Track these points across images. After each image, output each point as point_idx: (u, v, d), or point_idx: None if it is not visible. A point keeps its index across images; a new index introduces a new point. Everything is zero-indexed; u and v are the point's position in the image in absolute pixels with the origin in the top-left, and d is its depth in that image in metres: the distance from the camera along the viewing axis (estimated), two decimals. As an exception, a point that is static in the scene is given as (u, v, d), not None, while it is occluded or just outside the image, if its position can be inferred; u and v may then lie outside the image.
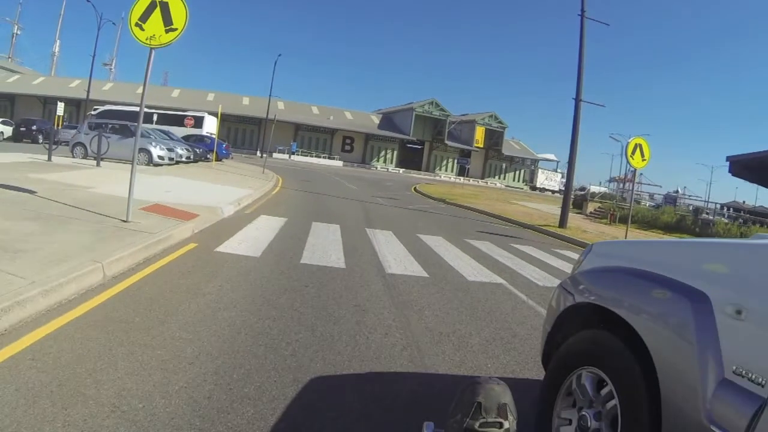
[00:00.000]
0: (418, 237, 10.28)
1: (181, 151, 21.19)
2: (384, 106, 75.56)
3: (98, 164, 14.89)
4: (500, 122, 66.89)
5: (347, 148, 64.28)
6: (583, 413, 2.02)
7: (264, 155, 31.41)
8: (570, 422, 2.14)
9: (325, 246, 7.84)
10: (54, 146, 15.04)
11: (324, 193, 19.28)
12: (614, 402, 1.88)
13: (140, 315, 3.92)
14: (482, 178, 68.33)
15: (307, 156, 59.69)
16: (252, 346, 3.59)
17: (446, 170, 67.29)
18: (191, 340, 3.53)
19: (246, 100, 63.39)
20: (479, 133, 64.85)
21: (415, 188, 30.41)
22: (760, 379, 1.38)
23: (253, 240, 7.55)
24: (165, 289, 4.67)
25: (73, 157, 17.49)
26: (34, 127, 28.15)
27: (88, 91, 33.13)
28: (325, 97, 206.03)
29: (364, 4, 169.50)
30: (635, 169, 15.57)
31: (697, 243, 2.40)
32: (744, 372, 1.44)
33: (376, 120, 68.73)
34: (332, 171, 42.33)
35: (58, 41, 69.64)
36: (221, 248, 6.73)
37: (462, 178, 44.30)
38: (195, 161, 24.45)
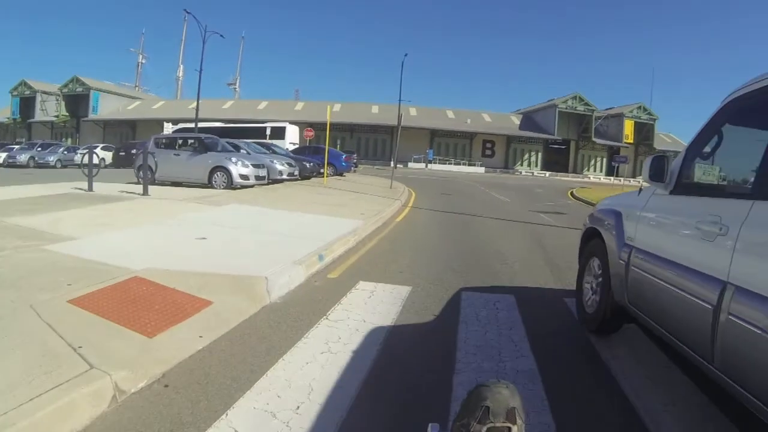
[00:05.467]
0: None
1: (280, 166, 17.50)
2: (523, 106, 73.92)
3: (145, 192, 11.28)
4: (650, 114, 63.37)
5: (488, 152, 63.18)
6: (592, 279, 4.45)
7: (393, 166, 27.19)
8: (589, 282, 4.53)
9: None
10: (96, 170, 11.75)
11: (471, 212, 14.06)
12: (600, 272, 4.27)
13: None
14: (633, 176, 63.45)
15: (445, 163, 58.53)
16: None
17: (595, 170, 65.15)
18: None
19: (375, 108, 63.87)
20: (628, 128, 62.48)
21: (571, 193, 26.69)
22: (632, 238, 3.60)
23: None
24: None
25: (138, 182, 14.41)
26: (134, 151, 26.77)
27: (197, 110, 31.61)
28: (460, 101, 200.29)
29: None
30: None
31: (627, 193, 4.70)
32: (629, 237, 3.67)
33: (517, 120, 67.21)
34: (474, 179, 38.41)
35: (181, 66, 73.83)
36: None
37: (613, 177, 39.76)
38: (306, 177, 20.83)
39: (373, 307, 4.69)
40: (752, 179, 2.62)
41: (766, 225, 2.23)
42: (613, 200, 4.52)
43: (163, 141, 15.17)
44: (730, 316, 2.26)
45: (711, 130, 3.20)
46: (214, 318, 4.03)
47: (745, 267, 2.27)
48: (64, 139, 57.70)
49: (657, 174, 3.31)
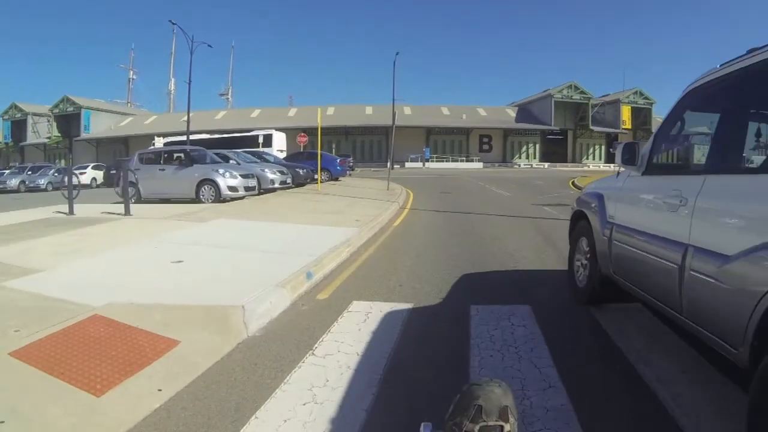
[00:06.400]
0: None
1: (272, 175, 16.92)
2: (518, 98, 73.45)
3: (127, 212, 10.70)
4: (647, 98, 63.51)
5: (485, 147, 62.34)
6: (582, 257, 4.84)
7: (389, 166, 26.55)
8: (579, 260, 4.95)
9: None
10: (75, 192, 11.17)
11: (472, 210, 13.49)
12: (588, 249, 4.65)
13: None
14: (633, 162, 63.28)
15: (442, 161, 58.04)
16: None
17: (594, 158, 64.38)
18: None
19: (369, 110, 63.07)
20: (625, 113, 62.20)
21: (572, 183, 25.70)
22: (613, 216, 4.02)
23: None
24: None
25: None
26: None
27: (188, 122, 31.08)
28: (455, 96, 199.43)
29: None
30: None
31: (607, 177, 4.91)
32: (610, 216, 4.07)
33: (513, 113, 66.39)
34: (473, 175, 37.50)
35: (172, 79, 73.08)
36: None
37: (613, 165, 39.09)
38: (300, 184, 20.21)
39: (369, 333, 4.08)
40: (704, 158, 3.13)
41: (714, 195, 2.66)
42: (596, 184, 5.01)
43: (148, 156, 14.60)
44: (691, 272, 2.67)
45: (675, 117, 3.59)
46: (178, 363, 3.42)
47: (700, 230, 2.69)
48: (57, 161, 57.14)
49: (630, 159, 3.78)
